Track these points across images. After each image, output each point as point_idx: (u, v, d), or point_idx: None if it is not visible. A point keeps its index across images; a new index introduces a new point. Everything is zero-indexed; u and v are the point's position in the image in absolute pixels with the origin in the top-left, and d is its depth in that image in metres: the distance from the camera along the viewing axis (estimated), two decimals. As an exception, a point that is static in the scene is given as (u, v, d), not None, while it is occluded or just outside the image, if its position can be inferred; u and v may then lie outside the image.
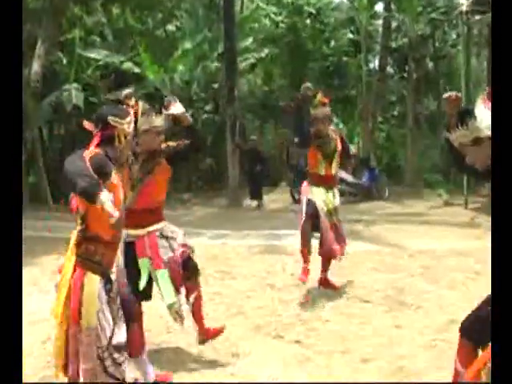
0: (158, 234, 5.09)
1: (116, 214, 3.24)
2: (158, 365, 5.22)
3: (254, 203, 18.94)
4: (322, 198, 7.25)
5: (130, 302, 4.28)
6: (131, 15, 22.94)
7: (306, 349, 5.69)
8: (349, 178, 18.91)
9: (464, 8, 16.50)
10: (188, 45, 22.65)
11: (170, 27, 25.60)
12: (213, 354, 5.53)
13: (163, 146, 5.22)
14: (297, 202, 17.73)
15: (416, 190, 20.57)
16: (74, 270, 3.54)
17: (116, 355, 3.58)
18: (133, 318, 4.27)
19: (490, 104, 3.54)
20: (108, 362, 3.54)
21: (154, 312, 5.91)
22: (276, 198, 20.32)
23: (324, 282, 7.59)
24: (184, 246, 5.19)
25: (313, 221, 7.21)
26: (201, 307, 5.36)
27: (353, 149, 8.22)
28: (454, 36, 26.21)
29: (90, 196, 3.18)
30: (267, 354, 5.54)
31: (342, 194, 18.54)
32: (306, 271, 7.24)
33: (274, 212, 17.24)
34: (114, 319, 3.64)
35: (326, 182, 7.35)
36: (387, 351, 5.57)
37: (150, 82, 21.66)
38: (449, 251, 10.02)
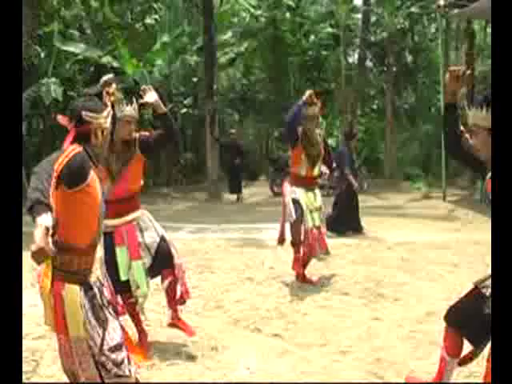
0: (135, 223, 5.22)
1: (41, 244, 2.73)
2: (135, 358, 5.21)
3: (234, 197, 18.93)
4: (304, 199, 7.24)
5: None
6: (110, 8, 22.73)
7: (285, 342, 5.70)
8: (328, 171, 18.91)
9: (442, 2, 16.58)
10: (167, 38, 22.53)
11: (149, 20, 25.44)
12: (191, 347, 5.51)
13: (136, 134, 5.25)
14: (276, 194, 17.82)
15: (395, 183, 20.71)
16: (53, 282, 3.37)
17: (114, 356, 3.47)
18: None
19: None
20: (109, 365, 3.45)
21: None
22: (256, 192, 20.35)
23: (303, 278, 7.59)
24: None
25: (301, 220, 7.24)
26: (175, 292, 5.44)
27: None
28: (433, 30, 26.36)
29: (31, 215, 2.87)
30: (246, 347, 5.53)
31: (321, 187, 18.81)
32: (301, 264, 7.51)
33: (254, 205, 17.24)
34: (103, 322, 3.48)
35: (307, 184, 7.34)
36: (366, 343, 5.60)
37: (128, 76, 21.50)
38: (427, 244, 10.10)
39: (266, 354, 5.37)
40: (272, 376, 4.87)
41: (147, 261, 5.25)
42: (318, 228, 7.36)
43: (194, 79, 23.78)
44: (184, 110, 24.22)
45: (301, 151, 7.21)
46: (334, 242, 9.92)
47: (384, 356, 5.24)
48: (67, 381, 3.65)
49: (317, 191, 7.47)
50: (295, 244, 7.39)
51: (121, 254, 5.16)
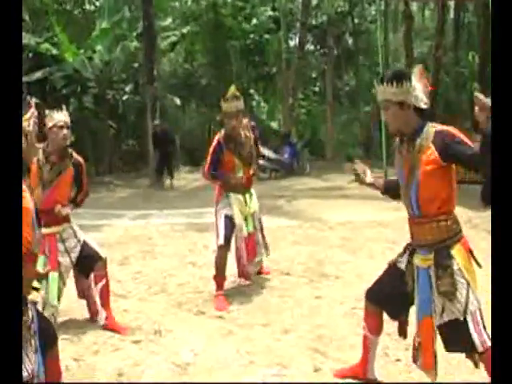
0: (57, 236, 5.40)
1: None
2: (81, 345, 5.22)
3: (175, 183, 18.98)
4: (239, 207, 6.55)
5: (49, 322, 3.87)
6: (47, -7, 22.29)
7: (228, 323, 5.75)
8: (270, 154, 19.04)
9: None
10: (106, 24, 22.19)
11: (88, 6, 25.04)
12: (135, 332, 5.52)
13: (74, 154, 5.49)
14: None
15: (337, 165, 20.89)
16: None
17: None
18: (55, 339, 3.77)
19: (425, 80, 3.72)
20: None
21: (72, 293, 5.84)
22: (198, 177, 20.28)
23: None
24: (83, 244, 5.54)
25: (229, 245, 6.54)
26: (108, 295, 5.69)
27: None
28: (373, 12, 26.65)
29: None
30: (190, 330, 5.56)
31: (263, 170, 18.94)
32: (223, 298, 6.40)
33: (196, 191, 17.21)
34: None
35: (245, 185, 6.61)
36: (308, 321, 5.69)
37: (68, 63, 21.14)
38: (367, 223, 10.27)
39: (209, 335, 5.41)
40: (216, 357, 4.90)
41: (67, 263, 5.42)
42: (252, 234, 6.73)
43: (135, 65, 23.50)
44: (125, 97, 23.95)
45: (231, 156, 6.46)
46: (276, 225, 10.04)
47: (326, 333, 5.35)
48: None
49: (253, 191, 6.82)
50: (217, 276, 6.49)
51: (39, 261, 5.16)
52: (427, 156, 3.53)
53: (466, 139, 3.47)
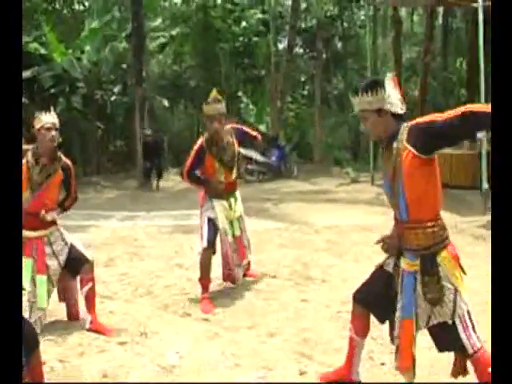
0: (45, 239, 5.38)
1: None
2: (66, 346, 5.20)
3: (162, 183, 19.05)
4: (223, 212, 6.53)
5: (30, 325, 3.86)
6: (36, -7, 22.23)
7: (214, 325, 5.75)
8: (258, 156, 19.06)
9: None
10: (95, 24, 22.15)
11: (77, 6, 24.97)
12: (121, 333, 5.51)
13: (62, 157, 5.47)
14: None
15: (325, 168, 20.95)
16: None
17: None
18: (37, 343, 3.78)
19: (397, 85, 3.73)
20: None
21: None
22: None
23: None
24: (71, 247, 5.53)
25: (214, 248, 6.54)
26: (94, 298, 5.69)
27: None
28: (362, 17, 26.73)
29: None
30: (175, 332, 5.55)
31: (251, 173, 18.96)
32: (208, 300, 6.38)
33: (183, 192, 17.19)
34: None
35: (227, 191, 6.56)
36: (293, 324, 5.69)
37: (57, 63, 21.07)
38: (354, 226, 10.30)
39: (195, 338, 5.40)
40: (202, 360, 4.90)
41: (55, 267, 5.41)
42: (238, 238, 6.73)
43: (124, 66, 23.46)
44: (114, 98, 23.92)
45: (212, 161, 6.41)
46: (263, 227, 10.05)
47: (311, 336, 5.36)
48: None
49: (237, 194, 6.80)
50: (202, 278, 6.47)
51: (27, 265, 5.24)
52: (405, 157, 3.53)
53: (441, 115, 3.44)
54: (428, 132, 3.46)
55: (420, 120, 3.56)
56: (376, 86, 3.62)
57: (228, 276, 6.79)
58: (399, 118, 3.65)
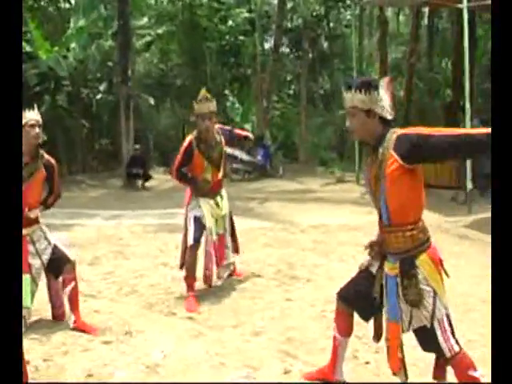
0: (28, 238, 5.35)
1: None
2: (50, 345, 5.17)
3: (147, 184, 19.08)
4: (209, 211, 6.53)
5: None
6: (21, -10, 22.03)
7: (199, 324, 5.74)
8: (243, 156, 19.06)
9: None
10: (82, 22, 22.05)
11: (63, 4, 24.83)
12: (106, 332, 5.49)
13: (45, 154, 5.45)
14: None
15: (310, 168, 20.97)
16: None
17: None
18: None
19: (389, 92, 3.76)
20: None
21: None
22: (170, 178, 20.28)
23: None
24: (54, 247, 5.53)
25: (199, 245, 6.55)
26: (77, 297, 5.67)
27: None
28: (348, 16, 26.79)
29: None
30: (160, 331, 5.54)
31: (236, 171, 18.98)
32: (194, 299, 6.37)
33: (169, 191, 17.20)
34: None
35: (214, 190, 6.59)
36: (278, 323, 5.70)
37: (42, 60, 20.95)
38: (340, 226, 10.33)
39: (180, 336, 5.39)
40: (186, 358, 4.89)
41: (38, 266, 5.42)
42: (221, 236, 6.72)
43: (110, 64, 23.38)
44: (99, 96, 23.83)
45: (201, 159, 6.43)
46: (248, 227, 10.04)
47: (296, 335, 5.36)
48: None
49: (223, 193, 6.81)
50: (187, 277, 6.50)
51: None
52: (390, 165, 3.53)
53: (433, 131, 3.47)
54: (418, 145, 3.45)
55: (410, 131, 3.57)
56: (371, 86, 3.63)
57: (207, 277, 6.70)
58: (386, 124, 3.66)
